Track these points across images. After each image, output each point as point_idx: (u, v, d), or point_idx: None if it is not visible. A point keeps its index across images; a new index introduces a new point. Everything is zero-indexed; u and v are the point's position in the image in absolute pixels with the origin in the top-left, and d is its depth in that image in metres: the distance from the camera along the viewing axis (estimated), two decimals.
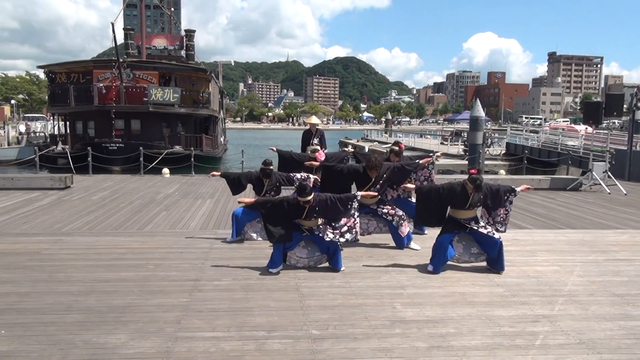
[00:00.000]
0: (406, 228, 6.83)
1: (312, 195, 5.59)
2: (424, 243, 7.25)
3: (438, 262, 5.89)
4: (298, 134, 11.68)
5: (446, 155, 29.70)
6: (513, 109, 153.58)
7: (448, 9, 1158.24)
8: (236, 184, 7.41)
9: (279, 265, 5.80)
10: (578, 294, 5.24)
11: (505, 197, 5.91)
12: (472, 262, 6.03)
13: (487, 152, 26.49)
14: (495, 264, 5.88)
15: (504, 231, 6.03)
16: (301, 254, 5.92)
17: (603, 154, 13.95)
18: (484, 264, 6.02)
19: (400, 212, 6.77)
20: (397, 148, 7.39)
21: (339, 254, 5.85)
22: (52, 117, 36.92)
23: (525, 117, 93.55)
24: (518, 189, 5.98)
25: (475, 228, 5.83)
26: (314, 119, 11.10)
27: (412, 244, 6.93)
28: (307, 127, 10.86)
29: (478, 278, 5.71)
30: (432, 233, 7.85)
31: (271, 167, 7.23)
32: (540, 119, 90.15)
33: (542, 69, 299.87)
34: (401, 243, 6.87)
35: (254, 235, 7.22)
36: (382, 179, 6.56)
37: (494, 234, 5.81)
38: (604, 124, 24.90)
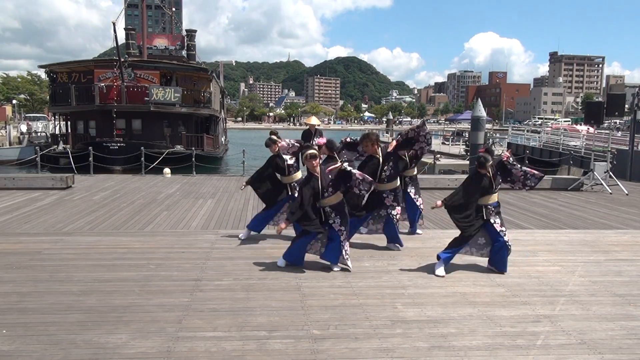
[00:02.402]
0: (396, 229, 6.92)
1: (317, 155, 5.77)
2: (424, 243, 7.25)
3: (451, 256, 5.90)
4: (298, 134, 11.68)
5: (447, 155, 29.70)
6: (514, 109, 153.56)
7: (450, 9, 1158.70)
8: (262, 185, 7.27)
9: (299, 262, 5.87)
10: (579, 294, 5.24)
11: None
12: (475, 255, 6.00)
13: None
14: (495, 261, 5.89)
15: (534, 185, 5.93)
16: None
17: (604, 154, 13.94)
18: (486, 259, 6.02)
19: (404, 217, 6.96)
20: (397, 137, 7.79)
21: (336, 244, 5.83)
22: (53, 117, 36.99)
23: (539, 118, 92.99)
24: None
25: (492, 222, 5.79)
26: (313, 120, 11.13)
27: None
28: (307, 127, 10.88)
29: (479, 278, 5.71)
30: (433, 233, 7.87)
31: (274, 137, 7.24)
32: (553, 119, 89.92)
33: (543, 69, 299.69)
34: (395, 242, 6.90)
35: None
36: (389, 158, 6.65)
37: (504, 233, 5.81)
38: (605, 124, 24.88)
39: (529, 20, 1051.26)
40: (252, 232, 7.38)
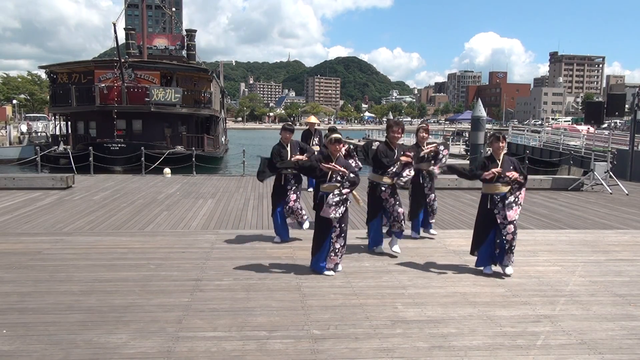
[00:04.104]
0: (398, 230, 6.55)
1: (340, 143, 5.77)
2: (424, 243, 7.25)
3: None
4: (298, 133, 11.68)
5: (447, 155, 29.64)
6: (514, 109, 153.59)
7: (450, 9, 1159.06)
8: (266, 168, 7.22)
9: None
10: (579, 294, 5.23)
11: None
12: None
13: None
14: (501, 258, 5.80)
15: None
16: None
17: (605, 154, 13.93)
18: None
19: (397, 214, 6.47)
20: (425, 126, 7.73)
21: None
22: (53, 117, 36.98)
23: (552, 119, 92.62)
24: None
25: (498, 215, 5.67)
26: (313, 119, 11.14)
27: (395, 248, 6.57)
28: (307, 127, 10.90)
29: (479, 278, 5.71)
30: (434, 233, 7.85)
31: (292, 126, 7.33)
32: (555, 120, 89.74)
33: (544, 69, 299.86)
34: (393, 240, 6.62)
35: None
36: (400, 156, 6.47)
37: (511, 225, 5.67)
38: (605, 124, 24.86)
39: (529, 20, 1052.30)
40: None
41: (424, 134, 7.53)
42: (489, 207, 5.74)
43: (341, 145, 5.86)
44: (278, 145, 7.11)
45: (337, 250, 5.72)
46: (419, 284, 5.49)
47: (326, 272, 5.72)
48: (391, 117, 68.59)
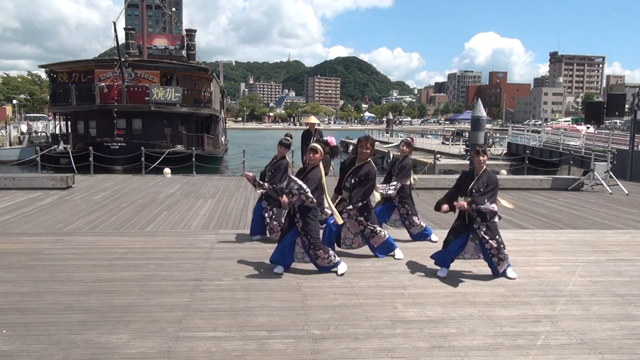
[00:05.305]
0: (380, 239, 6.32)
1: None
2: (425, 243, 7.24)
3: (443, 260, 5.77)
4: (299, 134, 11.69)
5: (447, 155, 29.70)
6: (514, 109, 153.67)
7: (450, 9, 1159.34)
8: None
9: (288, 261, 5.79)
10: (579, 294, 5.23)
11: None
12: (475, 258, 5.80)
13: (489, 152, 26.46)
14: (492, 267, 5.73)
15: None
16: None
17: (605, 153, 13.93)
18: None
19: (373, 226, 6.26)
20: (407, 140, 7.59)
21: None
22: (53, 117, 37.02)
23: (561, 120, 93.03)
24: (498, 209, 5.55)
25: (478, 230, 5.55)
26: (313, 119, 11.15)
27: (397, 252, 6.48)
28: (307, 127, 10.91)
29: (479, 278, 5.71)
30: (434, 233, 7.86)
31: (290, 140, 7.32)
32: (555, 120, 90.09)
33: (544, 69, 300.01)
34: (375, 253, 6.46)
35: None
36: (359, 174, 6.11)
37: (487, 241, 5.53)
38: (605, 124, 24.85)
39: (529, 20, 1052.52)
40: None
41: (405, 148, 7.39)
42: (467, 222, 5.60)
43: (317, 155, 5.64)
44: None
45: (320, 254, 5.61)
46: (419, 284, 5.49)
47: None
48: (391, 117, 68.58)
